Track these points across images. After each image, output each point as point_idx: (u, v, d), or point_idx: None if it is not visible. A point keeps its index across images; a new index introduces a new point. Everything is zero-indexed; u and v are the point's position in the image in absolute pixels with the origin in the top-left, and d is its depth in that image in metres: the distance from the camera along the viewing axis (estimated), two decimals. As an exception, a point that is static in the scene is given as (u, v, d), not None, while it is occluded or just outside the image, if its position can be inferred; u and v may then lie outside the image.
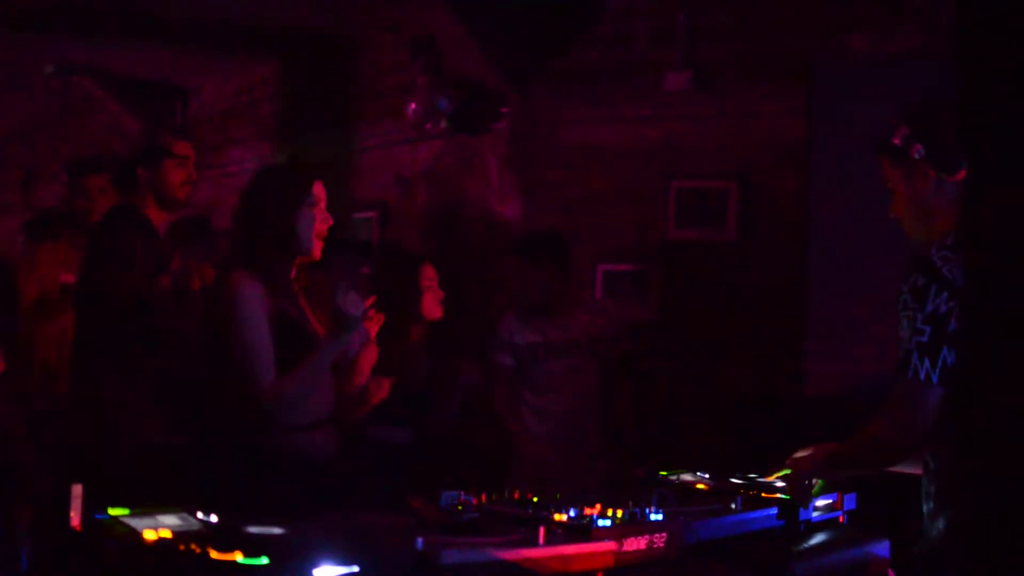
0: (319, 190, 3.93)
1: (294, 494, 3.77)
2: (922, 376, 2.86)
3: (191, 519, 2.61)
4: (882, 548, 3.56)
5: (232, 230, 3.98)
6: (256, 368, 3.75)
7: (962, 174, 3.07)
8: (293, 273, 3.94)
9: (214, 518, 2.65)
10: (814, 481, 3.36)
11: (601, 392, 5.70)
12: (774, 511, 3.36)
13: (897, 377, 2.92)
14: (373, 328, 4.36)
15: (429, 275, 5.44)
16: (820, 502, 3.46)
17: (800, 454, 3.40)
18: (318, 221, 3.90)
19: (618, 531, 2.83)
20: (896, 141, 3.15)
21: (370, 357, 4.34)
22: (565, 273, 5.65)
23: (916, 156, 3.11)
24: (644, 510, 3.01)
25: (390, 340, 4.98)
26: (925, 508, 3.03)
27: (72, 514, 2.49)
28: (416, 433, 5.40)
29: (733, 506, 3.32)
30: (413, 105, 7.00)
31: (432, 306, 5.41)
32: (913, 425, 2.89)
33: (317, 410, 3.93)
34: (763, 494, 3.49)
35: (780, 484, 3.55)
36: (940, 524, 2.95)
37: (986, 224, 1.28)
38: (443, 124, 7.02)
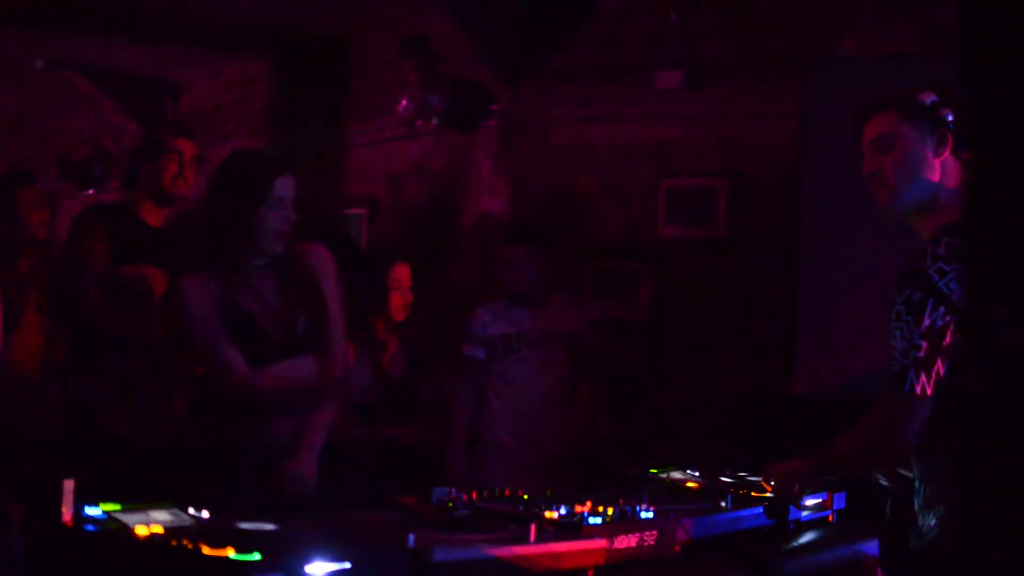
0: (283, 188, 3.81)
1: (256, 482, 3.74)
2: (918, 391, 2.86)
3: (183, 515, 2.61)
4: (871, 547, 3.57)
5: (196, 224, 3.99)
6: (223, 364, 3.77)
7: (966, 157, 3.05)
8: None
9: (206, 514, 2.65)
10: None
11: (570, 387, 5.73)
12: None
13: (890, 390, 2.91)
14: None
15: (398, 276, 5.50)
16: (809, 501, 3.47)
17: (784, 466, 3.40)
18: (276, 222, 3.79)
19: (609, 529, 2.84)
20: (923, 99, 3.09)
21: None
22: (552, 263, 5.68)
23: (945, 119, 3.06)
24: (635, 508, 3.02)
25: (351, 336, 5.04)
26: (916, 503, 3.04)
27: (63, 509, 2.49)
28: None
29: (723, 504, 3.33)
30: (404, 102, 7.00)
31: (395, 308, 5.49)
32: (907, 436, 2.90)
33: None
34: (753, 492, 3.49)
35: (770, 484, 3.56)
36: (931, 521, 2.96)
37: (988, 226, 1.27)
38: (434, 121, 7.02)
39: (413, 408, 5.61)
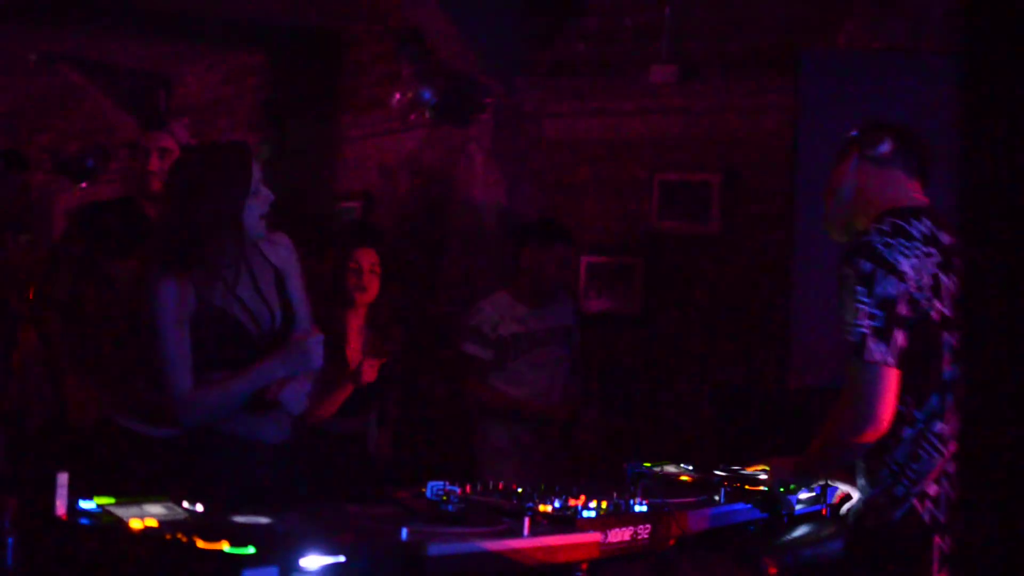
0: (257, 172, 3.62)
1: (239, 477, 3.69)
2: (877, 357, 2.87)
3: (177, 508, 2.61)
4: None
5: (162, 217, 3.68)
6: (170, 378, 3.54)
7: (885, 152, 3.10)
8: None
9: (200, 507, 2.65)
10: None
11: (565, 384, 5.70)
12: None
13: (853, 361, 2.92)
14: (370, 374, 4.77)
15: (359, 258, 5.38)
16: (803, 495, 3.47)
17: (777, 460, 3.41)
18: (260, 205, 3.62)
19: (603, 522, 2.84)
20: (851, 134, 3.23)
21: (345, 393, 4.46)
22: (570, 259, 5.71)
23: (850, 136, 3.19)
24: (628, 502, 3.02)
25: (323, 321, 5.03)
26: (863, 481, 3.03)
27: (58, 503, 2.49)
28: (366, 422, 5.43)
29: (717, 498, 3.34)
30: (398, 96, 6.99)
31: (350, 289, 5.37)
32: (877, 407, 2.89)
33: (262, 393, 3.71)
34: (746, 486, 3.50)
35: (762, 476, 3.57)
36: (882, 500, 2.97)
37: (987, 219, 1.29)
38: (427, 115, 7.02)
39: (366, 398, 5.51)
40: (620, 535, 2.86)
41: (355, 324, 5.37)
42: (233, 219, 3.56)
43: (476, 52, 6.91)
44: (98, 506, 2.55)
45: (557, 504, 2.95)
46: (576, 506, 2.93)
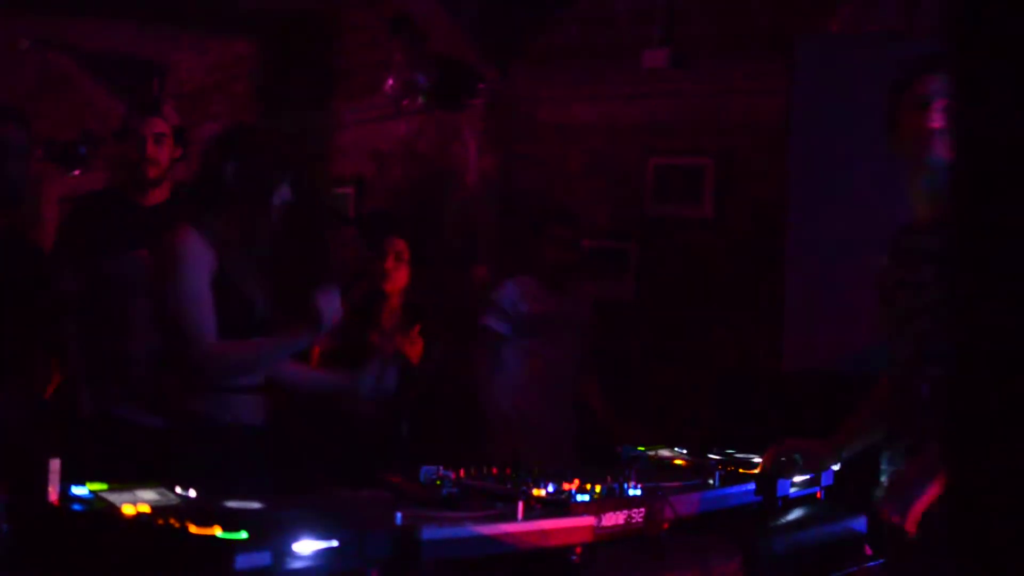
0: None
1: (224, 459, 3.71)
2: None
3: (169, 494, 2.60)
4: (859, 523, 3.58)
5: (193, 184, 3.88)
6: (195, 325, 3.64)
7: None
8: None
9: (193, 493, 2.65)
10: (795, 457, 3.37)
11: (577, 374, 5.74)
12: (752, 487, 3.38)
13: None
14: (413, 351, 4.79)
15: (386, 246, 5.45)
16: (797, 478, 3.47)
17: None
18: (279, 200, 3.78)
19: (596, 506, 2.84)
20: None
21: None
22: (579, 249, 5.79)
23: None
24: (622, 485, 3.02)
25: (359, 311, 5.03)
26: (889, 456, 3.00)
27: (49, 489, 2.48)
28: (384, 407, 5.43)
29: (711, 482, 3.34)
30: (391, 81, 6.98)
31: (392, 275, 5.43)
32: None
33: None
34: (741, 470, 3.50)
35: (756, 460, 3.57)
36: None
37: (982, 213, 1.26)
38: (420, 100, 7.01)
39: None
40: (614, 519, 2.86)
41: (385, 311, 5.43)
42: (263, 196, 3.72)
43: (469, 37, 6.90)
44: (90, 492, 2.54)
45: (551, 488, 2.94)
46: (570, 490, 2.92)
